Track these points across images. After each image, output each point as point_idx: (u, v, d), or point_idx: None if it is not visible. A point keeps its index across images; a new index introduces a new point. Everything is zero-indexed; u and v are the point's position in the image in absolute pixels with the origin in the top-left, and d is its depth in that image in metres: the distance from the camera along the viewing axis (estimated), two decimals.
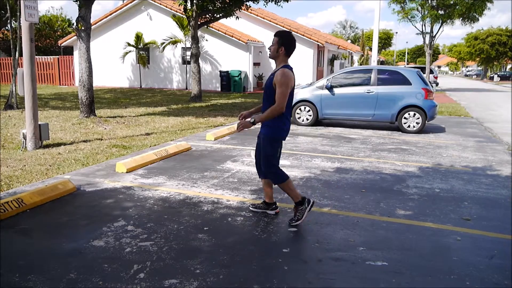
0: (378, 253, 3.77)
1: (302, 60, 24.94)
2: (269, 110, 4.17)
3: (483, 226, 4.51)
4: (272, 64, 25.42)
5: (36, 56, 8.91)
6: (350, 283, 3.26)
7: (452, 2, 26.82)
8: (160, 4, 23.76)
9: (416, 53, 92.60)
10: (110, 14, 25.23)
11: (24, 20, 7.39)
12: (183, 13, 18.16)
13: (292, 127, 11.32)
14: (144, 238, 3.98)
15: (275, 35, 4.34)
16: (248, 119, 4.23)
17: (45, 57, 28.01)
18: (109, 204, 4.94)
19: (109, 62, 25.35)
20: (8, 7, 14.17)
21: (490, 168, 7.09)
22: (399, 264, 3.59)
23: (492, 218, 4.77)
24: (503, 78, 57.68)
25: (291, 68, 4.29)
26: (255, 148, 4.68)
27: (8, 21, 14.89)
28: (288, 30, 4.56)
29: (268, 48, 4.49)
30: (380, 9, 21.45)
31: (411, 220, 4.61)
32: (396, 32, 71.25)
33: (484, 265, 3.60)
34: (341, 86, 11.26)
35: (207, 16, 17.85)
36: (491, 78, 59.50)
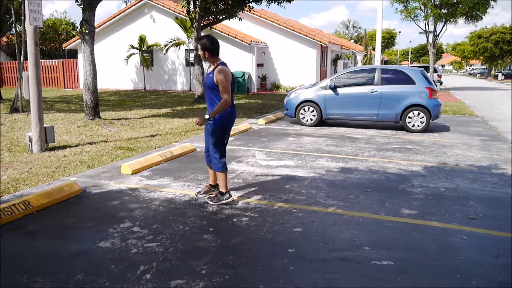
0: (384, 253, 3.77)
1: (305, 61, 24.95)
2: (219, 104, 4.73)
3: (489, 225, 4.50)
4: (276, 65, 25.48)
5: (40, 60, 8.96)
6: (355, 283, 3.27)
7: (455, 1, 26.76)
8: (163, 6, 23.83)
9: (420, 52, 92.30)
10: (114, 17, 25.35)
11: (28, 24, 7.45)
12: (186, 15, 18.21)
13: (296, 127, 11.34)
14: (150, 239, 4.00)
15: (197, 44, 5.09)
16: (203, 117, 4.76)
17: (50, 60, 28.17)
18: (114, 205, 4.96)
19: (113, 65, 25.45)
20: (12, 11, 14.28)
21: (495, 167, 7.07)
22: (404, 263, 3.59)
23: (498, 217, 4.76)
24: (508, 76, 57.31)
25: (225, 64, 4.90)
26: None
27: (13, 25, 15.00)
28: (206, 34, 5.19)
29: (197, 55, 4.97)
30: (383, 8, 21.43)
31: (416, 220, 4.61)
32: (399, 32, 70.96)
33: (490, 264, 3.60)
34: (344, 86, 11.25)
35: (210, 17, 17.88)
36: (496, 77, 59.18)
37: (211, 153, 5.01)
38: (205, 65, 4.86)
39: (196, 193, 5.36)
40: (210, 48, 4.84)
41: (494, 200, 5.32)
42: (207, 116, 4.75)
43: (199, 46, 4.90)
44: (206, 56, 4.87)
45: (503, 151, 8.38)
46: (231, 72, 4.89)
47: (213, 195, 5.14)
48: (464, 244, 4.00)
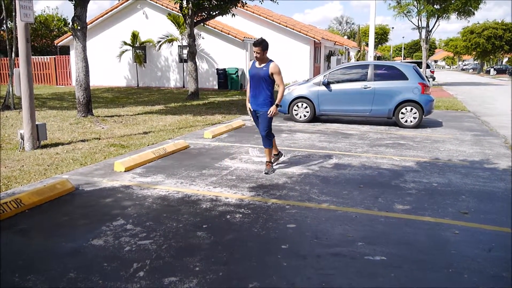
0: (377, 248, 3.79)
1: (298, 57, 24.94)
2: (281, 92, 5.96)
3: (481, 219, 4.54)
4: None
5: (32, 56, 8.86)
6: (349, 278, 3.28)
7: None
8: (156, 2, 23.69)
9: (413, 48, 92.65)
10: (106, 13, 25.17)
11: (19, 20, 7.37)
12: (179, 11, 18.12)
13: (290, 123, 11.35)
14: (143, 237, 3.99)
15: (258, 45, 5.89)
16: (274, 105, 6.03)
17: (42, 57, 27.93)
18: (108, 203, 4.94)
19: (106, 61, 25.29)
20: (3, 7, 14.12)
21: (487, 162, 7.12)
22: (397, 258, 3.61)
23: (490, 211, 4.80)
24: (500, 71, 57.74)
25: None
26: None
27: (4, 21, 14.83)
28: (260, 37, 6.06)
29: (257, 56, 5.95)
30: (376, 4, 21.45)
31: (409, 215, 4.63)
32: (393, 27, 71.33)
33: (482, 258, 3.63)
34: (338, 82, 11.26)
35: (203, 14, 17.81)
36: (488, 72, 59.55)
37: (266, 134, 6.17)
38: (249, 61, 5.77)
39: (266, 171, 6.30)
40: (267, 47, 5.90)
41: (486, 195, 5.36)
42: (277, 103, 6.00)
43: (259, 48, 5.83)
44: (264, 55, 5.91)
45: (495, 146, 8.44)
46: None
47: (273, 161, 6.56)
48: (457, 239, 4.03)
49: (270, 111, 6.00)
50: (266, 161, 6.40)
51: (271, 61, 5.99)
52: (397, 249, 3.78)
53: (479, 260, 3.58)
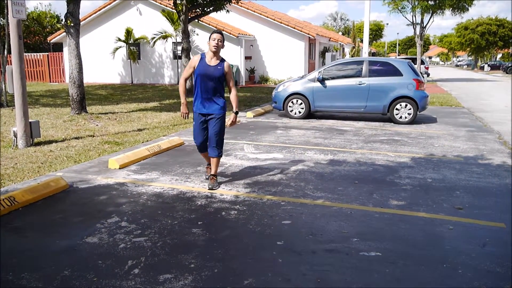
0: (372, 244, 3.79)
1: (293, 53, 24.91)
2: (235, 95, 5.32)
3: (475, 214, 4.56)
4: (264, 57, 25.37)
5: (25, 53, 8.82)
6: (344, 274, 3.29)
7: None
8: None
9: (407, 44, 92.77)
10: (100, 10, 24.99)
11: (11, 17, 7.30)
12: (173, 7, 18.03)
13: (285, 120, 11.35)
14: (138, 234, 3.97)
15: (220, 34, 5.19)
16: (233, 114, 5.31)
17: (35, 54, 27.70)
18: (102, 200, 4.92)
19: (100, 58, 25.14)
20: None
21: (481, 157, 7.15)
22: (392, 254, 3.62)
23: (484, 206, 4.82)
24: (494, 67, 57.93)
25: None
26: (198, 131, 5.39)
27: None
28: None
29: (217, 44, 5.10)
30: (371, 0, 21.46)
31: (404, 210, 4.64)
32: (387, 24, 71.51)
33: (477, 253, 3.64)
34: (332, 78, 11.27)
35: (197, 10, 17.74)
36: (482, 68, 59.75)
37: (222, 140, 5.34)
38: (207, 56, 5.02)
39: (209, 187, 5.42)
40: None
41: (480, 190, 5.39)
42: (236, 110, 5.32)
43: (221, 36, 5.13)
44: (223, 47, 5.15)
45: (489, 142, 8.48)
46: None
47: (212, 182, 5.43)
48: (451, 234, 4.05)
49: (231, 121, 5.32)
50: (212, 174, 5.44)
51: (223, 59, 5.24)
52: (392, 245, 3.79)
53: (474, 255, 3.60)
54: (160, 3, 23.11)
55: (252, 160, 6.86)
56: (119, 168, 6.25)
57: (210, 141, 5.33)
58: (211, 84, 5.19)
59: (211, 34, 5.15)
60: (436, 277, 3.26)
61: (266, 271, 3.31)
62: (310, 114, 11.62)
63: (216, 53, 5.15)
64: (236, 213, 4.55)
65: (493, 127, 10.34)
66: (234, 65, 22.99)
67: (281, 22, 24.70)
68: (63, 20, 11.22)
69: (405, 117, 10.72)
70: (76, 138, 8.39)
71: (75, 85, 11.28)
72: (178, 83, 23.70)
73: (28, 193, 4.82)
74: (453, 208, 4.73)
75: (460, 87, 25.20)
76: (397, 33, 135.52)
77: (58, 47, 28.71)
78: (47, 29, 34.43)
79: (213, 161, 5.39)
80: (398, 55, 72.19)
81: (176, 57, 23.98)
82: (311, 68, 26.49)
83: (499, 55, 76.23)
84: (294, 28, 24.78)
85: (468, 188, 5.48)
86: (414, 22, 29.84)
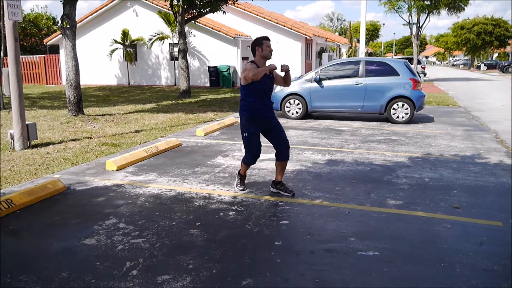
0: (370, 243, 3.80)
1: (290, 54, 24.90)
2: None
3: (473, 213, 4.57)
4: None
5: (21, 56, 8.80)
6: (342, 274, 3.29)
7: None
8: (146, 0, 23.55)
9: (404, 44, 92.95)
10: (96, 11, 24.96)
11: (7, 19, 7.29)
12: (170, 9, 18.02)
13: (282, 120, 11.33)
14: (136, 235, 3.97)
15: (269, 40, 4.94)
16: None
17: (31, 56, 27.64)
18: (100, 202, 4.91)
19: (96, 60, 25.10)
20: None
21: (478, 156, 7.17)
22: (390, 253, 3.63)
23: (481, 205, 4.83)
24: (490, 67, 58.13)
25: None
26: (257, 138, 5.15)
27: None
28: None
29: (270, 54, 4.93)
30: (367, 1, 21.51)
31: (401, 210, 4.65)
32: (384, 24, 71.70)
33: (474, 252, 3.65)
34: (329, 78, 11.28)
35: (194, 11, 17.73)
36: (478, 67, 59.95)
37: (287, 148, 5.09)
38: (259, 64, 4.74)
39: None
40: None
41: (478, 189, 5.40)
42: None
43: (270, 44, 4.92)
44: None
45: (485, 141, 8.51)
46: None
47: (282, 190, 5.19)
48: (449, 233, 4.06)
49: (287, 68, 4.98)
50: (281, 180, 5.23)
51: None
52: (389, 244, 3.79)
53: (471, 254, 3.61)
54: (157, 5, 23.11)
55: None
56: (117, 170, 6.24)
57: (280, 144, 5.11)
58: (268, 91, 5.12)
59: (264, 40, 4.88)
60: (433, 276, 3.27)
61: (264, 271, 3.32)
62: (307, 115, 11.64)
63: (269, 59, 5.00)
64: (234, 213, 4.55)
65: (490, 126, 10.37)
66: (230, 65, 23.00)
67: (277, 23, 24.71)
68: (60, 22, 11.23)
69: (402, 117, 10.74)
70: (73, 140, 8.37)
71: (72, 87, 11.26)
72: (175, 84, 23.84)
73: (25, 195, 4.81)
74: (451, 207, 4.74)
75: (457, 86, 25.26)
76: (394, 33, 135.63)
77: (55, 49, 28.66)
78: (44, 31, 34.35)
79: (283, 164, 5.18)
80: (395, 55, 72.30)
81: (172, 58, 23.97)
82: (308, 69, 26.52)
83: (495, 55, 76.50)
84: (291, 28, 24.80)
85: (465, 187, 5.49)
86: (411, 22, 29.97)
